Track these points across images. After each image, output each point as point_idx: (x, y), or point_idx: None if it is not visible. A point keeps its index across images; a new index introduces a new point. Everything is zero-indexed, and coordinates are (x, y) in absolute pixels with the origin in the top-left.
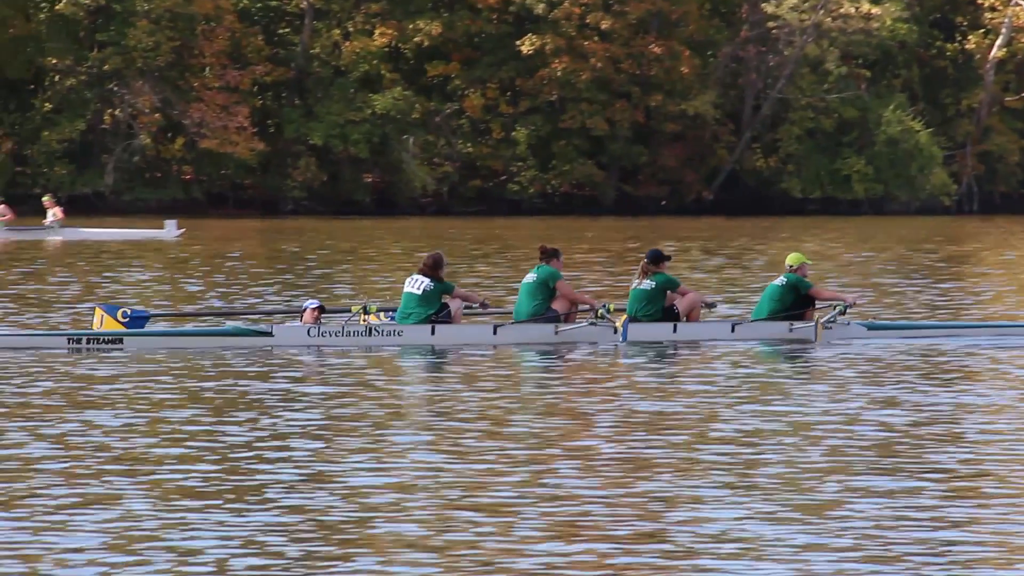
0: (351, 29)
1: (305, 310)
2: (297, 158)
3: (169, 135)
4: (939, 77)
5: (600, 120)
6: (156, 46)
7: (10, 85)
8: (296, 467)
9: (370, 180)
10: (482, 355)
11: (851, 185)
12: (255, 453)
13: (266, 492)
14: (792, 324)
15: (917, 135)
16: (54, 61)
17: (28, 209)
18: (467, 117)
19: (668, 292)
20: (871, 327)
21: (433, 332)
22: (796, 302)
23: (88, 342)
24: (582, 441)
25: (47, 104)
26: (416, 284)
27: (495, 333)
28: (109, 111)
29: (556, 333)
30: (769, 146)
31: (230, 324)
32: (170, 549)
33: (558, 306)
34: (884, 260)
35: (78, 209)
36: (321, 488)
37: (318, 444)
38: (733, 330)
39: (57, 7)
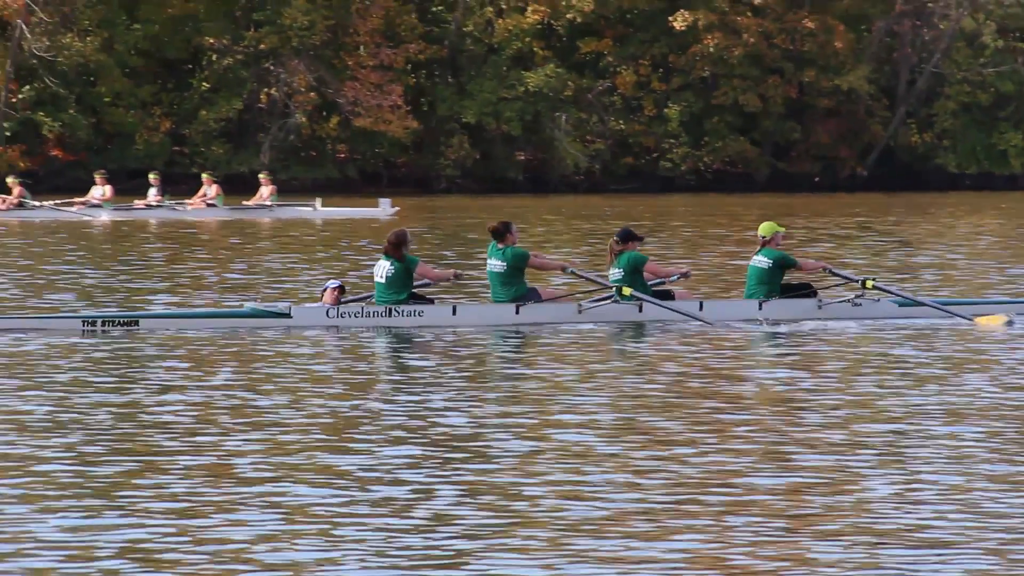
0: (504, 6)
1: (326, 290)
2: (450, 136)
3: (324, 114)
4: None
5: (753, 96)
6: (311, 25)
7: (168, 65)
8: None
9: (522, 158)
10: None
11: (1008, 160)
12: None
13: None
14: (821, 301)
15: None
16: (211, 41)
17: (187, 188)
18: (619, 94)
19: (643, 272)
20: (902, 304)
21: (455, 312)
22: (785, 280)
23: (103, 324)
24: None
25: (204, 83)
26: (380, 272)
27: (518, 313)
28: (265, 90)
29: (580, 312)
30: (924, 121)
31: (248, 306)
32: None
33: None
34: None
35: (236, 188)
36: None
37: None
38: (760, 308)
39: None
